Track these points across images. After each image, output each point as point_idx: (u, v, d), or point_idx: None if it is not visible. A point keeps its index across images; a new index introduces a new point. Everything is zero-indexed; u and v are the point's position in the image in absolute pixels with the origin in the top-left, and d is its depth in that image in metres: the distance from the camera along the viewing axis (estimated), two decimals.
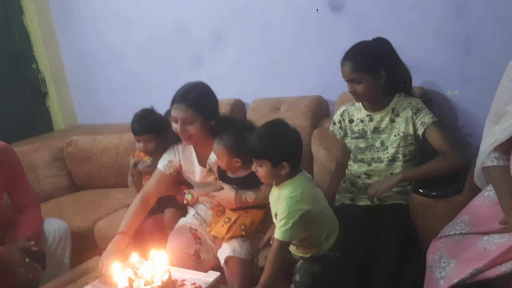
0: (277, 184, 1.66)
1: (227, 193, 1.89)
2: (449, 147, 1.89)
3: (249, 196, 1.83)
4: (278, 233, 1.59)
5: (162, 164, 2.09)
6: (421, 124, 1.92)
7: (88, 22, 3.38)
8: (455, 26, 2.21)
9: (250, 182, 1.85)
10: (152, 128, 2.26)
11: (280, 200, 1.60)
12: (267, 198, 1.77)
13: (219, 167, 1.96)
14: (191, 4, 2.93)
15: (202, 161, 2.05)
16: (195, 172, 2.08)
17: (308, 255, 1.71)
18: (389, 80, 1.93)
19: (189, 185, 2.16)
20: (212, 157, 2.00)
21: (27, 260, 1.92)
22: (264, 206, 1.86)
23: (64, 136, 3.25)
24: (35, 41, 3.50)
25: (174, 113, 1.90)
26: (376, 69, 1.90)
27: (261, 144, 1.60)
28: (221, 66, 2.92)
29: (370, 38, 2.00)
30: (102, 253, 2.52)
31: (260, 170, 1.62)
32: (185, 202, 2.02)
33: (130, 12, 3.17)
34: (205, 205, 2.13)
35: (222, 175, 1.95)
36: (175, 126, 1.91)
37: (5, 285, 2.03)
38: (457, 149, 1.91)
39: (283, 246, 1.61)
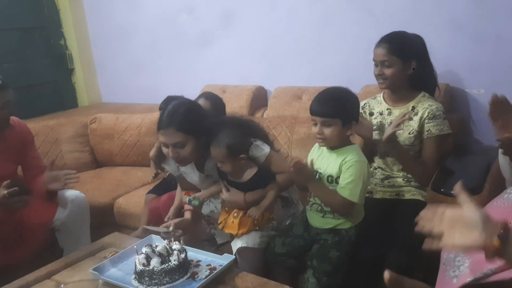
0: (333, 149, 1.71)
1: (235, 196, 1.86)
2: (430, 162, 1.91)
3: (253, 214, 1.81)
4: (348, 194, 1.64)
5: (172, 171, 2.11)
6: (427, 131, 1.91)
7: (116, 2, 3.42)
8: (485, 23, 2.17)
9: (255, 185, 1.84)
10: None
11: (348, 164, 1.65)
12: (273, 201, 1.82)
13: (219, 171, 1.91)
14: None
15: (200, 167, 1.98)
16: (193, 175, 2.01)
17: (328, 227, 1.74)
18: (416, 74, 1.93)
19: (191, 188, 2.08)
20: (209, 163, 1.94)
21: (5, 192, 1.95)
22: None
23: (88, 113, 3.31)
24: (64, 18, 3.56)
25: (163, 139, 1.79)
26: (408, 57, 1.90)
27: (334, 103, 1.66)
28: (245, 52, 2.94)
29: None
30: (121, 229, 2.60)
31: (327, 130, 1.65)
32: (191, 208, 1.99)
33: None
34: None
35: (226, 180, 1.90)
36: (166, 151, 1.82)
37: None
38: (433, 170, 1.93)
39: (349, 205, 1.66)
